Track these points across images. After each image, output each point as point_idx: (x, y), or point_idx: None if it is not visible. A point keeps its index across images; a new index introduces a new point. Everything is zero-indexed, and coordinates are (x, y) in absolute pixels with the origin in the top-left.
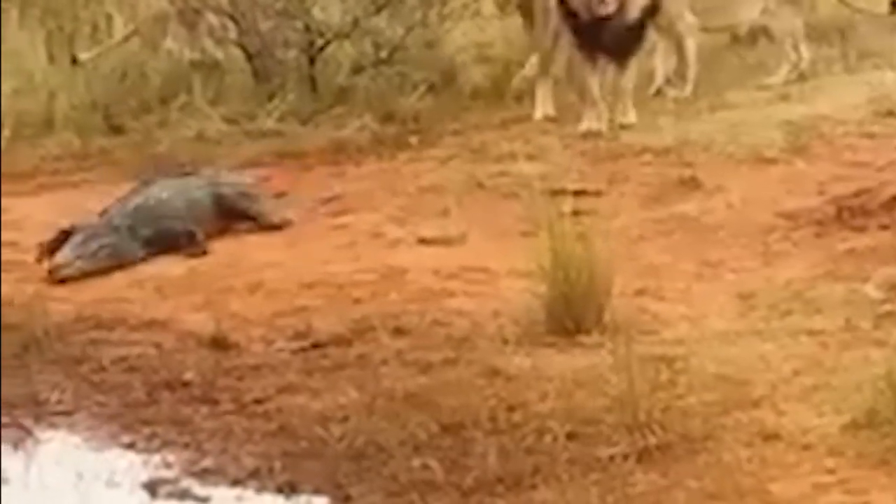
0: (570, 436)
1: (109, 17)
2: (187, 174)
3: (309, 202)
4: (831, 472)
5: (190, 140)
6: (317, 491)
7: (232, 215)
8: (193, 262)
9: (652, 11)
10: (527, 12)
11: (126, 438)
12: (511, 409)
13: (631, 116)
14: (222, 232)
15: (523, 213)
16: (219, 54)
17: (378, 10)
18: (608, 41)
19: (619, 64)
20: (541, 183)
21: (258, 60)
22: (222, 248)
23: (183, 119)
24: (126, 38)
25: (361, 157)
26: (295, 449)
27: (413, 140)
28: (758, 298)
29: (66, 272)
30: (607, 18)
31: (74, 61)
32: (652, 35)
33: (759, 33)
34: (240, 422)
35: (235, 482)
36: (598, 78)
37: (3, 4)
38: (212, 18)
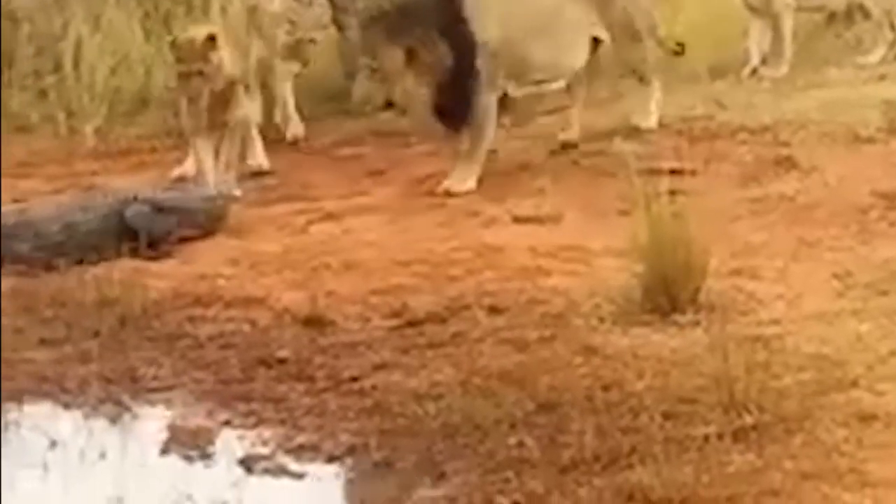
0: (666, 415)
1: None
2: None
3: (405, 180)
4: None
5: None
6: (413, 468)
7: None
8: (289, 240)
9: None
10: None
11: (222, 415)
12: (606, 387)
13: None
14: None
15: (619, 192)
16: (318, 36)
17: None
18: None
19: None
20: (637, 162)
21: None
22: (319, 226)
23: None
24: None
25: None
26: (390, 426)
27: (506, 119)
28: (854, 278)
29: None
30: None
31: None
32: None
33: (856, 12)
34: (335, 399)
35: (331, 459)
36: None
37: None
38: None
